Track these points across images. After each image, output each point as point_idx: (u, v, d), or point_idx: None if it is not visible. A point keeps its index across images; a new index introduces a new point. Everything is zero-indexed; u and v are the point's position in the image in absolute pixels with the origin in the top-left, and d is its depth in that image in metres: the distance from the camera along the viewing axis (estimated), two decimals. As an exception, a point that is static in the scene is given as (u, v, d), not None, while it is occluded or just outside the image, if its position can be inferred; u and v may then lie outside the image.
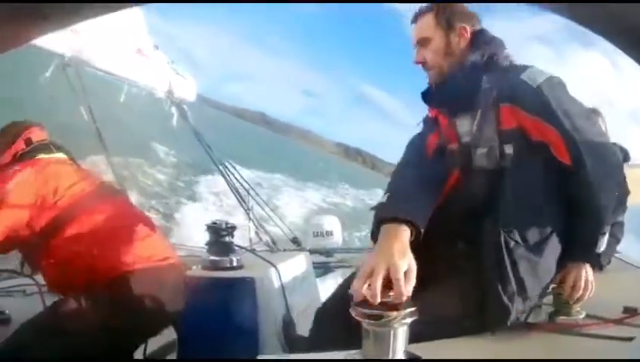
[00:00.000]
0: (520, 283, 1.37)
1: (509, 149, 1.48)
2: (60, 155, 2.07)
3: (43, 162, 1.97)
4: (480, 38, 1.58)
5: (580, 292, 1.52)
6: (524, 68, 1.51)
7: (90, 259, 1.82)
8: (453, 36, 1.57)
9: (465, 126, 1.57)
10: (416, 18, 1.63)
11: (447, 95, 1.59)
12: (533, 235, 1.42)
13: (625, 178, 1.63)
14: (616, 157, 1.55)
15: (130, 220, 2.05)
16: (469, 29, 1.58)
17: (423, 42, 1.60)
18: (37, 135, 2.08)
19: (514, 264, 1.38)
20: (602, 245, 1.54)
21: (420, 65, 1.62)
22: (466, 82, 1.53)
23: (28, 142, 2.04)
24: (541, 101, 1.45)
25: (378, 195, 1.57)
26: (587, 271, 1.53)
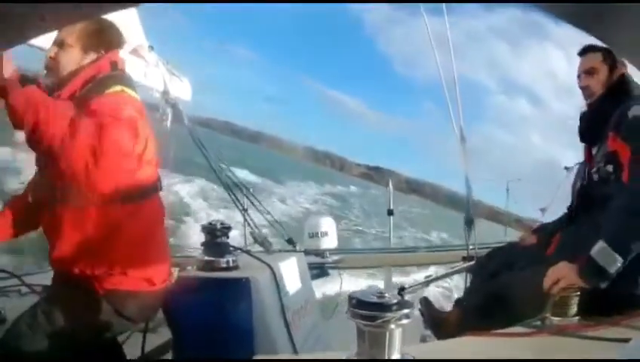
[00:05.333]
0: None
1: (610, 168, 1.80)
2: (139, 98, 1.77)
3: (138, 105, 1.72)
4: (628, 80, 1.95)
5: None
6: (633, 103, 1.80)
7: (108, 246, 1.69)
8: (615, 73, 1.95)
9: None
10: (585, 52, 2.01)
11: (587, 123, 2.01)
12: None
13: None
14: None
15: (158, 226, 1.93)
16: (625, 72, 1.96)
17: (590, 71, 1.99)
18: (120, 61, 1.79)
19: None
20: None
21: (582, 90, 2.01)
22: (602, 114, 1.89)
23: (113, 66, 1.74)
24: (628, 128, 1.74)
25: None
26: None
